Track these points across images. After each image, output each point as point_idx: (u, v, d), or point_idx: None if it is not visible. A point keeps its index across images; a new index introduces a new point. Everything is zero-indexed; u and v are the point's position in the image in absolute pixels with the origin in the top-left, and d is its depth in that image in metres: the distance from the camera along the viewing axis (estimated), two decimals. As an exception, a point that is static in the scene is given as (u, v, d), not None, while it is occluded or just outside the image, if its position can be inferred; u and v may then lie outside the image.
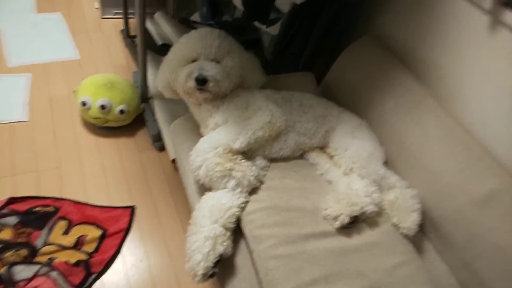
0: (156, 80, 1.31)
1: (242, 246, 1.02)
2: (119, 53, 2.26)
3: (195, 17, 2.33)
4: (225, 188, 1.03)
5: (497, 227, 0.95)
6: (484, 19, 1.07)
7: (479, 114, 1.13)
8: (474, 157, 1.03)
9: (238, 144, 1.05)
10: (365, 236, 1.00)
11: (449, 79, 1.22)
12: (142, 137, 1.80)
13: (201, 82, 1.11)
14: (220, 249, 0.93)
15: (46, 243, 1.31)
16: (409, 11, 1.33)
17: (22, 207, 1.40)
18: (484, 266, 0.97)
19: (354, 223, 1.00)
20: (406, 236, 1.04)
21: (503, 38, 1.03)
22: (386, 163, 1.23)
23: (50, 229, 1.35)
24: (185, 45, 1.20)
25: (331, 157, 1.19)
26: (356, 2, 1.51)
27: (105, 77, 1.75)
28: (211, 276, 0.93)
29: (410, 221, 1.04)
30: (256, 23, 1.69)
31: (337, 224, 0.98)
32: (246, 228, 1.01)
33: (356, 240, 0.98)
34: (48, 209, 1.41)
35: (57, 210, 1.41)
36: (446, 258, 1.08)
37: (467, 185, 1.02)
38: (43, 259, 1.26)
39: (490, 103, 1.10)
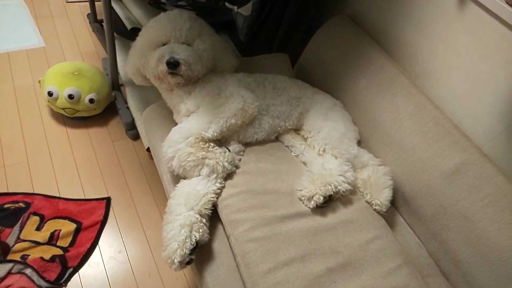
0: (126, 66, 1.26)
1: (219, 231, 1.02)
2: (87, 39, 2.17)
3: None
4: (199, 175, 1.02)
5: (463, 198, 0.99)
6: (451, -5, 1.07)
7: (448, 90, 1.15)
8: (443, 132, 1.06)
9: (210, 133, 1.04)
10: (340, 214, 1.01)
11: (420, 56, 1.23)
12: (115, 126, 1.75)
13: (173, 65, 1.07)
14: (196, 236, 0.93)
15: (18, 240, 1.27)
16: (380, -12, 1.32)
17: (-10, 204, 1.34)
18: (451, 236, 1.01)
19: (328, 202, 1.02)
20: (378, 212, 1.07)
21: (470, 13, 1.04)
22: (360, 142, 1.25)
23: (22, 226, 1.31)
24: (154, 28, 1.16)
25: (306, 139, 1.19)
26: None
27: (72, 65, 1.67)
28: (188, 263, 0.92)
29: (382, 197, 1.07)
30: (227, 4, 1.64)
31: (312, 204, 0.99)
32: (223, 213, 1.00)
33: (331, 218, 1.00)
34: (18, 205, 1.36)
35: (28, 205, 1.37)
36: (417, 230, 1.13)
37: (436, 159, 1.05)
38: (16, 256, 1.22)
39: (458, 78, 1.12)
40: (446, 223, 1.03)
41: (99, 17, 2.18)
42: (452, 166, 1.02)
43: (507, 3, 0.94)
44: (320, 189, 0.99)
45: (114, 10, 2.12)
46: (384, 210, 1.07)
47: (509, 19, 0.94)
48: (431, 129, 1.08)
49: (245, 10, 1.61)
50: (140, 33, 1.21)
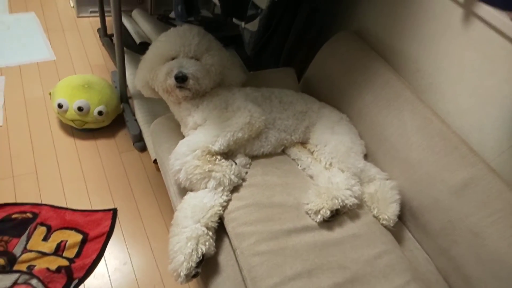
0: (135, 79, 1.29)
1: (225, 244, 1.02)
2: (97, 53, 2.21)
3: (173, 15, 2.30)
4: (206, 188, 1.03)
5: (472, 214, 0.98)
6: (458, 12, 1.09)
7: (454, 105, 1.16)
8: (450, 146, 1.06)
9: (217, 146, 1.05)
10: (347, 229, 1.01)
11: (425, 72, 1.24)
12: (123, 138, 1.76)
13: (181, 79, 1.09)
14: (203, 249, 0.92)
15: (25, 251, 1.27)
16: (386, 5, 1.35)
17: (-2, 214, 1.35)
18: (460, 252, 1.00)
19: (335, 217, 1.01)
20: (386, 227, 1.06)
21: (476, 30, 1.05)
22: (367, 156, 1.25)
23: (29, 236, 1.31)
24: (163, 43, 1.18)
25: (312, 152, 1.20)
26: (333, -3, 1.51)
27: (82, 77, 1.70)
28: (194, 276, 0.92)
29: (389, 212, 1.06)
30: (234, 20, 1.68)
31: (319, 218, 0.99)
32: (229, 226, 1.00)
33: (338, 233, 0.99)
34: (26, 215, 1.37)
35: (35, 216, 1.38)
36: (425, 246, 1.11)
37: (443, 174, 1.04)
38: (22, 267, 1.22)
39: (464, 94, 1.12)
40: (455, 239, 1.02)
41: (109, 32, 2.23)
42: (460, 181, 1.01)
43: (511, 20, 0.95)
44: (327, 203, 0.99)
45: (124, 25, 2.17)
46: (392, 225, 1.06)
47: (515, 35, 0.95)
48: (438, 143, 1.08)
49: (252, 26, 1.64)
50: (150, 47, 1.24)
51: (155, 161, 1.61)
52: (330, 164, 1.12)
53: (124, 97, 1.80)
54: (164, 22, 2.29)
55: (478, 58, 1.06)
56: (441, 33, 1.16)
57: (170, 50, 1.15)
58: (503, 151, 1.04)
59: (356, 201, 1.04)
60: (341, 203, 1.00)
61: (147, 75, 1.20)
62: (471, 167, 1.01)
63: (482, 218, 0.96)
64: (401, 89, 1.21)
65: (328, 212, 0.98)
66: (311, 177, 1.15)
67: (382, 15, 1.37)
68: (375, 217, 1.07)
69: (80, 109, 1.60)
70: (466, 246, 0.99)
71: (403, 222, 1.18)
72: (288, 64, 1.65)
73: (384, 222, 1.06)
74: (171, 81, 1.11)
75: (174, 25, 1.24)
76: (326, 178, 1.07)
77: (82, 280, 1.25)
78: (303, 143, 1.24)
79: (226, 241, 1.02)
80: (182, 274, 0.90)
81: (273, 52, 1.66)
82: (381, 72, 1.27)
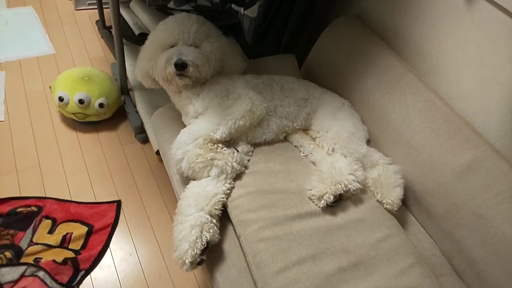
0: (135, 69, 1.28)
1: (229, 232, 1.02)
2: (96, 45, 2.20)
3: (172, 4, 2.27)
4: (208, 176, 1.02)
5: (476, 196, 0.97)
6: (459, -9, 1.07)
7: (457, 87, 1.14)
8: (453, 129, 1.05)
9: (219, 134, 1.04)
10: (350, 214, 1.01)
11: (428, 54, 1.22)
12: (125, 130, 1.76)
13: (181, 67, 1.08)
14: (207, 236, 0.93)
15: (31, 243, 1.28)
16: (386, -14, 1.32)
17: (3, 208, 1.36)
18: (464, 234, 1.00)
19: (339, 202, 1.01)
20: (390, 211, 1.06)
21: (479, 9, 1.03)
22: (370, 141, 1.24)
23: (35, 229, 1.32)
24: (162, 31, 1.17)
25: (314, 138, 1.19)
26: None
27: (82, 70, 1.70)
28: (199, 263, 0.92)
29: (393, 196, 1.05)
30: (233, 6, 1.65)
31: (322, 203, 0.99)
32: (232, 213, 1.00)
33: (341, 218, 0.99)
34: (31, 209, 1.38)
35: (40, 209, 1.39)
36: (429, 230, 1.11)
37: (447, 157, 1.04)
38: (29, 259, 1.24)
39: (468, 75, 1.11)
40: (458, 222, 1.02)
41: (107, 24, 2.21)
42: (464, 163, 1.00)
43: (516, -3, 0.93)
44: (330, 188, 0.99)
45: (122, 16, 2.15)
46: (395, 209, 1.06)
47: (519, 13, 0.93)
48: (442, 126, 1.07)
49: (252, 12, 1.61)
50: (149, 37, 1.22)
51: (157, 152, 1.62)
52: (333, 149, 1.12)
53: (124, 89, 1.79)
54: (162, 12, 2.27)
55: (482, 39, 1.05)
56: (444, 14, 1.13)
57: (169, 38, 1.14)
58: (507, 132, 1.03)
59: (359, 186, 1.04)
60: (344, 188, 1.00)
61: (147, 64, 1.19)
62: (475, 149, 1.00)
63: (486, 199, 0.96)
64: (404, 73, 1.19)
65: (332, 197, 0.98)
66: (313, 163, 1.15)
67: (383, -2, 1.35)
68: (379, 201, 1.07)
69: (81, 101, 1.60)
70: (470, 229, 0.99)
71: (407, 206, 1.17)
72: (289, 51, 1.63)
73: (387, 206, 1.06)
74: (171, 68, 1.10)
75: (173, 15, 1.23)
76: (329, 164, 1.07)
77: (88, 271, 1.26)
78: (305, 129, 1.24)
79: (230, 228, 1.02)
80: (187, 261, 0.90)
81: (273, 39, 1.64)
82: (383, 56, 1.26)
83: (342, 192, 1.00)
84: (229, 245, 0.99)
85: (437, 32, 1.17)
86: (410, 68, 1.21)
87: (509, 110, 1.02)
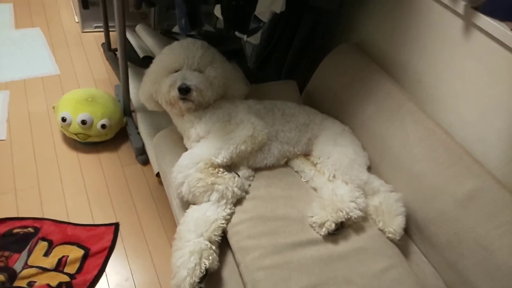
0: (139, 92, 1.30)
1: (229, 258, 1.01)
2: (100, 67, 2.24)
3: (177, 29, 2.33)
4: (209, 201, 1.02)
5: (478, 226, 0.96)
6: (458, 23, 1.10)
7: (456, 115, 1.16)
8: (454, 157, 1.05)
9: (220, 159, 1.05)
10: (352, 242, 0.99)
11: (427, 83, 1.24)
12: (126, 151, 1.76)
13: (184, 91, 1.10)
14: (206, 263, 0.91)
15: (26, 266, 1.26)
16: (386, 17, 1.36)
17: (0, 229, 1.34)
18: (468, 265, 0.98)
19: (340, 229, 1.00)
20: (392, 240, 1.04)
21: (477, 40, 1.06)
22: (370, 168, 1.24)
23: (30, 251, 1.30)
24: (167, 55, 1.20)
25: (315, 164, 1.19)
26: (334, 10, 1.53)
27: (86, 91, 1.72)
28: (198, 291, 0.90)
29: (395, 225, 1.04)
30: (237, 33, 1.70)
31: (324, 231, 0.98)
32: (232, 239, 0.99)
33: (343, 246, 0.98)
34: (27, 230, 1.36)
35: (37, 230, 1.37)
36: (432, 260, 1.09)
37: (448, 186, 1.03)
38: (23, 283, 1.21)
39: (467, 104, 1.12)
40: (461, 252, 1.00)
41: (113, 46, 2.26)
42: (466, 193, 1.00)
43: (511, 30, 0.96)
44: (331, 216, 0.98)
45: (128, 39, 2.20)
46: (398, 238, 1.05)
47: (516, 46, 0.95)
48: (442, 154, 1.07)
49: (254, 39, 1.65)
50: (154, 60, 1.25)
51: (157, 175, 1.61)
52: (334, 176, 1.12)
53: (127, 110, 1.81)
54: (167, 36, 2.32)
55: (480, 69, 1.07)
56: (441, 44, 1.16)
57: (174, 62, 1.16)
58: (508, 162, 1.03)
59: (361, 213, 1.03)
60: (346, 216, 0.99)
61: (151, 87, 1.21)
62: (476, 178, 1.00)
63: (489, 230, 0.95)
64: (403, 100, 1.21)
65: (333, 225, 0.97)
66: (314, 189, 1.15)
67: (382, 27, 1.38)
68: (381, 230, 1.06)
69: (83, 122, 1.61)
70: (474, 260, 0.97)
71: (409, 235, 1.16)
72: (290, 77, 1.66)
73: (390, 235, 1.04)
74: (175, 92, 1.12)
75: (177, 39, 1.26)
76: (330, 190, 1.06)
77: (83, 296, 1.23)
78: (306, 155, 1.24)
79: (229, 255, 1.01)
80: (185, 289, 0.88)
81: (275, 65, 1.68)
82: (383, 84, 1.28)
83: (344, 219, 0.99)
84: (229, 273, 0.97)
85: (435, 62, 1.20)
86: (409, 96, 1.22)
87: (510, 140, 1.02)
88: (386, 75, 1.31)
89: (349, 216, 1.00)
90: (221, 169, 1.06)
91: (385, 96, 1.25)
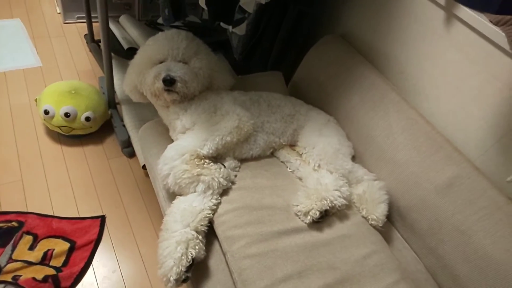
0: (123, 83, 1.28)
1: (215, 248, 1.01)
2: (84, 59, 2.19)
3: (161, 20, 2.30)
4: (195, 192, 1.02)
5: (458, 212, 1.00)
6: (439, 14, 1.12)
7: (438, 105, 1.18)
8: (435, 146, 1.08)
9: (206, 150, 1.05)
10: (336, 230, 1.01)
11: (409, 73, 1.26)
12: (111, 144, 1.75)
13: (169, 82, 1.09)
14: (192, 253, 0.92)
15: (10, 260, 1.24)
16: (370, 9, 1.37)
17: (-18, 224, 1.32)
18: (447, 250, 1.01)
19: (324, 218, 1.02)
20: (375, 227, 1.07)
21: (457, 32, 1.08)
22: (354, 157, 1.26)
23: (14, 245, 1.28)
24: (152, 47, 1.18)
25: (301, 154, 1.20)
26: (319, 2, 1.53)
27: (69, 83, 1.69)
28: (184, 281, 0.91)
29: (378, 212, 1.07)
30: (222, 24, 1.69)
31: (308, 219, 0.99)
32: (219, 229, 1.00)
33: (327, 234, 1.00)
34: (11, 224, 1.34)
35: (21, 224, 1.35)
36: (413, 245, 1.13)
37: (429, 173, 1.06)
38: (7, 277, 1.19)
39: (448, 94, 1.15)
40: (441, 238, 1.03)
41: (96, 37, 2.22)
42: (446, 180, 1.03)
43: (491, 21, 0.98)
44: (316, 204, 1.00)
45: (111, 30, 2.16)
46: (380, 225, 1.07)
47: (494, 37, 0.98)
48: (424, 143, 1.10)
49: (240, 30, 1.65)
50: (138, 51, 1.24)
51: (143, 167, 1.60)
52: (319, 165, 1.13)
53: (112, 103, 1.79)
54: (152, 27, 2.29)
55: (460, 60, 1.09)
56: (423, 35, 1.18)
57: (158, 53, 1.15)
58: (486, 149, 1.06)
59: (344, 201, 1.05)
60: (330, 204, 1.01)
61: (135, 79, 1.20)
62: (456, 166, 1.03)
63: (468, 216, 0.98)
64: (387, 91, 1.23)
65: (318, 213, 0.99)
66: (300, 179, 1.16)
67: (366, 18, 1.40)
68: (364, 217, 1.08)
69: (67, 115, 1.58)
70: (453, 244, 1.01)
71: (391, 222, 1.19)
72: (276, 68, 1.66)
73: (373, 222, 1.07)
74: (159, 84, 1.11)
75: (162, 30, 1.25)
76: (315, 180, 1.08)
77: (70, 289, 1.23)
78: (292, 145, 1.25)
79: (216, 244, 1.02)
80: (172, 279, 0.89)
81: (261, 56, 1.68)
82: (367, 75, 1.29)
83: (328, 208, 1.01)
84: (215, 262, 0.98)
85: (417, 52, 1.22)
86: (392, 86, 1.24)
87: (489, 129, 1.06)
88: (370, 66, 1.32)
89: (333, 205, 1.02)
90: (207, 160, 1.06)
91: (369, 86, 1.27)
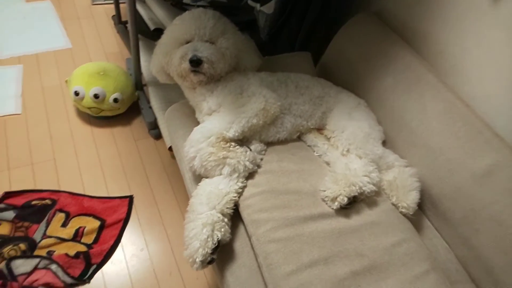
0: (150, 64, 1.28)
1: (241, 231, 1.01)
2: (111, 40, 2.22)
3: None
4: (221, 175, 1.02)
5: (496, 201, 0.94)
6: (484, -11, 1.03)
7: (479, 88, 1.10)
8: (473, 131, 1.01)
9: (231, 133, 1.03)
10: (364, 216, 0.98)
11: (449, 53, 1.18)
12: (138, 125, 1.77)
13: (195, 63, 1.08)
14: (218, 235, 0.92)
15: (44, 236, 1.30)
16: (406, -17, 1.28)
17: (18, 201, 1.39)
18: (482, 241, 0.97)
19: (352, 204, 0.99)
20: (405, 215, 1.03)
21: (505, 7, 0.99)
22: (385, 142, 1.21)
23: (48, 222, 1.34)
24: (178, 26, 1.16)
25: (329, 138, 1.17)
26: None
27: (98, 65, 1.71)
28: (210, 262, 0.92)
29: (409, 200, 1.03)
30: (249, 2, 1.64)
31: (336, 205, 0.97)
32: (244, 212, 0.99)
33: (355, 220, 0.97)
34: (45, 202, 1.40)
35: (54, 202, 1.41)
36: (445, 235, 1.08)
37: (466, 161, 1.00)
38: (42, 252, 1.26)
39: (491, 76, 1.07)
40: (477, 228, 0.98)
41: (123, 19, 2.23)
42: (484, 168, 0.97)
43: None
44: (344, 190, 0.97)
45: (138, 11, 2.16)
46: (411, 213, 1.03)
47: (549, 12, 0.89)
48: (461, 128, 1.03)
49: (268, 8, 1.60)
50: (165, 31, 1.22)
51: (170, 148, 1.62)
52: (348, 150, 1.09)
53: (139, 84, 1.80)
54: (178, 7, 2.26)
55: (507, 38, 1.00)
56: (466, 12, 1.09)
57: (185, 33, 1.13)
58: (532, 136, 0.99)
59: (374, 188, 1.01)
60: (358, 190, 0.98)
61: (162, 59, 1.19)
62: (496, 152, 0.97)
63: (507, 206, 0.92)
64: (423, 73, 1.16)
65: (346, 199, 0.96)
66: (327, 163, 1.13)
67: (403, -5, 1.31)
68: (394, 205, 1.05)
69: (96, 96, 1.61)
70: (489, 235, 0.96)
71: (422, 210, 1.14)
72: (305, 48, 1.60)
73: (403, 210, 1.03)
74: (186, 65, 1.09)
75: (188, 10, 1.22)
76: (343, 165, 1.05)
77: (100, 265, 1.28)
78: (320, 129, 1.22)
79: (241, 227, 1.01)
80: (197, 260, 0.90)
81: (288, 36, 1.62)
82: (402, 55, 1.22)
83: (357, 194, 0.98)
84: (240, 245, 0.98)
85: (459, 30, 1.13)
86: (430, 67, 1.17)
87: (534, 114, 0.98)
88: (406, 45, 1.25)
89: (362, 191, 0.99)
90: (233, 143, 1.05)
91: (404, 68, 1.20)
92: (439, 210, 1.08)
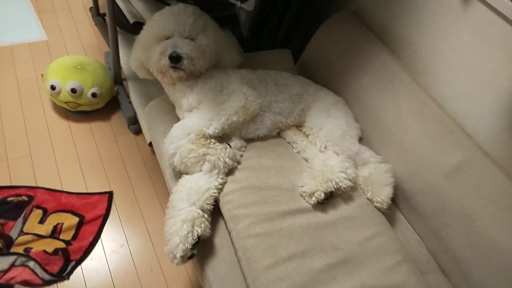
0: (130, 59, 1.27)
1: (221, 226, 1.03)
2: (89, 33, 2.16)
3: (168, -7, 2.23)
4: (201, 171, 1.03)
5: (464, 197, 0.99)
6: (456, -8, 1.07)
7: (451, 88, 1.15)
8: (445, 130, 1.06)
9: (211, 130, 1.04)
10: (340, 211, 1.02)
11: (422, 54, 1.22)
12: (118, 120, 1.75)
13: (175, 59, 1.08)
14: (198, 231, 0.93)
15: (21, 233, 1.28)
16: (384, -16, 1.32)
17: (-6, 197, 1.35)
18: (451, 234, 1.02)
19: (329, 199, 1.02)
20: (379, 209, 1.07)
21: (475, 11, 1.04)
22: (362, 139, 1.25)
23: (25, 219, 1.32)
24: (158, 22, 1.16)
25: (307, 135, 1.19)
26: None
27: (75, 59, 1.67)
28: (190, 257, 0.93)
29: (383, 195, 1.07)
30: (230, -1, 1.64)
31: (313, 200, 1.00)
32: (224, 208, 1.01)
33: (332, 215, 1.00)
34: (21, 198, 1.37)
35: (31, 199, 1.38)
36: (417, 228, 1.13)
37: (437, 157, 1.05)
38: (19, 249, 1.23)
39: (461, 77, 1.12)
40: (446, 221, 1.03)
41: (101, 11, 2.18)
42: (454, 164, 1.02)
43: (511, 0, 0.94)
44: (321, 186, 1.00)
45: (116, 4, 2.11)
46: (385, 207, 1.08)
47: (514, 17, 0.93)
48: (433, 127, 1.08)
49: (248, 5, 1.60)
50: (145, 27, 1.21)
51: (150, 144, 1.61)
52: (325, 147, 1.13)
53: (118, 79, 1.77)
54: (158, 1, 2.23)
55: (477, 41, 1.05)
56: (439, 15, 1.14)
57: (165, 29, 1.13)
58: (497, 134, 1.04)
59: (350, 183, 1.05)
60: (335, 186, 1.01)
61: (142, 55, 1.18)
62: (465, 150, 1.02)
63: (474, 200, 0.98)
64: (398, 72, 1.20)
65: (323, 195, 0.99)
66: (306, 160, 1.16)
67: (380, -5, 1.34)
68: (369, 199, 1.09)
69: (73, 90, 1.58)
70: (457, 228, 1.01)
71: (396, 204, 1.19)
72: (285, 46, 1.62)
73: (377, 204, 1.07)
74: (165, 61, 1.09)
75: (169, 5, 1.21)
76: (321, 161, 1.08)
77: (79, 262, 1.27)
78: (299, 126, 1.24)
79: (221, 223, 1.03)
80: (178, 255, 0.91)
81: (269, 33, 1.64)
82: (378, 54, 1.26)
83: (333, 189, 1.01)
84: (220, 240, 1.00)
85: (432, 32, 1.17)
86: (404, 67, 1.21)
87: (501, 113, 1.03)
88: (382, 45, 1.29)
89: (338, 186, 1.02)
90: (213, 140, 1.06)
91: (380, 67, 1.24)
92: (412, 204, 1.13)
